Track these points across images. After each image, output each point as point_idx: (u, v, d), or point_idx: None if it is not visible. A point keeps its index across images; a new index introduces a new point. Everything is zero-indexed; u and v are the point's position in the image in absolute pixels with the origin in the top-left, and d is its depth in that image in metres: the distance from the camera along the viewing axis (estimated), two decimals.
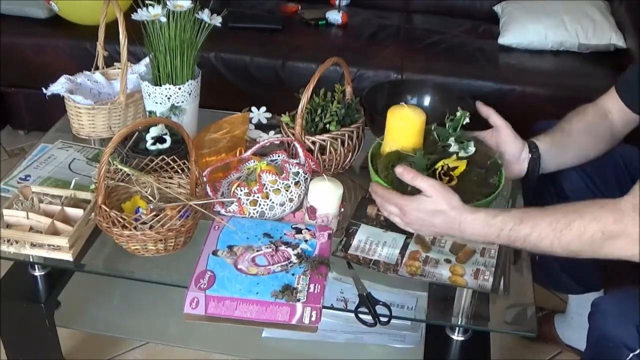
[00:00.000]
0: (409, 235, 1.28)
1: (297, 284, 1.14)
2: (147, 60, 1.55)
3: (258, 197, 1.28)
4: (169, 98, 1.45)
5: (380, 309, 1.15)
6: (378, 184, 1.21)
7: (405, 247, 1.26)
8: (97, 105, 1.53)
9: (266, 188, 1.29)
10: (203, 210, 1.22)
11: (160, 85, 1.44)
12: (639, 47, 2.17)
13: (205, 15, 1.41)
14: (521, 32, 2.31)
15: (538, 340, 1.71)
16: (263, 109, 1.65)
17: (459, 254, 1.25)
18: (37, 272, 1.38)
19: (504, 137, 1.29)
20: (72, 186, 1.34)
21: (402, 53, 2.29)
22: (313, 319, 1.10)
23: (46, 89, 1.53)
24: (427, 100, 1.66)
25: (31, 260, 1.30)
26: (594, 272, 1.53)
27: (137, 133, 1.38)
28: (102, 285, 1.54)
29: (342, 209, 1.33)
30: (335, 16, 2.47)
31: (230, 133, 1.50)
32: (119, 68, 1.61)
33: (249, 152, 1.41)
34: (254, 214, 1.29)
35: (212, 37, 1.44)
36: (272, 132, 1.58)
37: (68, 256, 1.21)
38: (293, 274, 1.16)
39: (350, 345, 1.43)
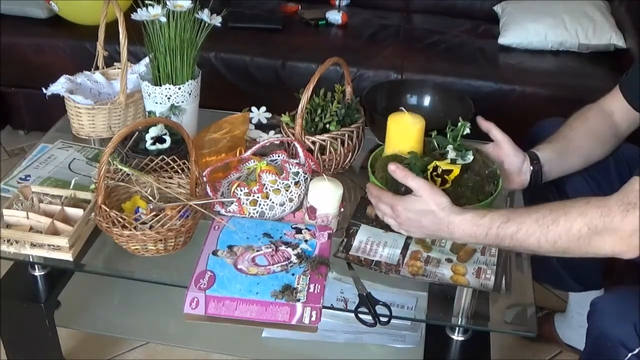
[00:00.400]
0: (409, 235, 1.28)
1: (297, 284, 1.14)
2: (147, 60, 1.55)
3: (258, 197, 1.28)
4: (169, 98, 1.45)
5: (380, 309, 1.15)
6: (373, 184, 1.21)
7: (406, 247, 1.26)
8: (97, 105, 1.53)
9: (266, 188, 1.29)
10: (203, 210, 1.22)
11: (160, 85, 1.44)
12: (639, 47, 2.17)
13: (205, 15, 1.41)
14: (521, 32, 2.31)
15: (538, 340, 1.71)
16: (263, 109, 1.65)
17: (460, 253, 1.25)
18: (37, 272, 1.38)
19: (505, 151, 1.29)
20: (72, 186, 1.34)
21: (402, 53, 2.29)
22: (313, 319, 1.10)
23: (46, 89, 1.53)
24: (427, 100, 1.66)
25: (31, 260, 1.30)
26: (594, 271, 1.53)
27: (137, 133, 1.38)
28: (102, 285, 1.54)
29: (342, 209, 1.33)
30: (335, 16, 2.47)
31: (230, 133, 1.50)
32: (119, 68, 1.61)
33: (249, 152, 1.41)
34: (254, 214, 1.29)
35: (212, 37, 1.44)
36: (272, 132, 1.58)
37: (68, 256, 1.21)
38: (293, 274, 1.16)
39: (350, 345, 1.43)
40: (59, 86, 1.53)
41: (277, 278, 1.15)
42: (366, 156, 1.34)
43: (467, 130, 1.29)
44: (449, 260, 1.23)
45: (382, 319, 1.13)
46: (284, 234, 1.25)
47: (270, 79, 2.22)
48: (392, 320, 1.14)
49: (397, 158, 1.28)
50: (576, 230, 1.01)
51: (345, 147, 1.44)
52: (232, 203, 1.28)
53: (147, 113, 1.51)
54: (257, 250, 1.21)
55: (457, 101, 1.61)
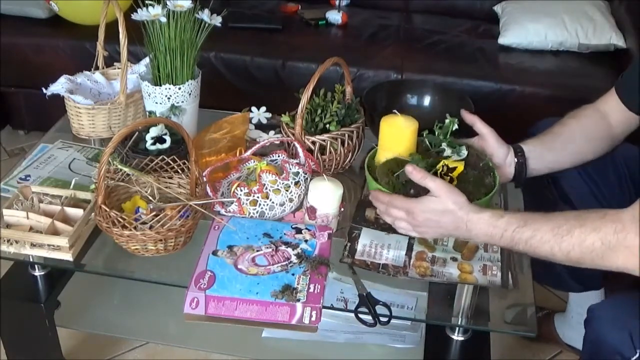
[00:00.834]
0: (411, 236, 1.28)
1: (297, 284, 1.14)
2: (147, 60, 1.55)
3: (258, 197, 1.28)
4: (169, 98, 1.45)
5: (380, 309, 1.15)
6: (379, 190, 1.21)
7: (410, 248, 1.26)
8: (97, 105, 1.53)
9: (266, 188, 1.29)
10: (203, 210, 1.22)
11: (160, 85, 1.44)
12: (639, 47, 2.17)
13: (205, 15, 1.41)
14: (521, 32, 2.31)
15: (538, 340, 1.71)
16: (263, 109, 1.65)
17: (464, 251, 1.25)
18: (37, 272, 1.38)
19: (490, 143, 1.30)
20: (72, 186, 1.34)
21: (402, 53, 2.29)
22: (313, 319, 1.10)
23: (46, 89, 1.53)
24: (427, 100, 1.66)
25: (31, 260, 1.30)
26: (594, 271, 1.53)
27: (137, 133, 1.38)
28: (102, 285, 1.54)
29: (342, 209, 1.33)
30: (335, 16, 2.47)
31: (230, 133, 1.50)
32: (119, 68, 1.61)
33: (249, 152, 1.41)
34: (254, 214, 1.29)
35: (212, 37, 1.44)
36: (272, 132, 1.58)
37: (68, 256, 1.21)
38: (293, 274, 1.16)
39: (350, 345, 1.43)
40: (59, 86, 1.53)
41: (277, 278, 1.15)
42: (365, 156, 1.34)
43: (456, 126, 1.30)
44: (454, 259, 1.23)
45: (382, 319, 1.13)
46: (284, 234, 1.25)
47: (270, 79, 2.22)
48: (392, 320, 1.14)
49: (398, 161, 1.27)
50: (589, 244, 1.01)
51: (345, 147, 1.44)
52: (232, 203, 1.28)
53: (147, 113, 1.51)
54: (257, 250, 1.21)
55: (457, 101, 1.61)
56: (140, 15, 1.38)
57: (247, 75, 2.23)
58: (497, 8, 2.52)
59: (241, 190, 1.28)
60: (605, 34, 2.26)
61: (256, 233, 1.25)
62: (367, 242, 1.28)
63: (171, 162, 1.32)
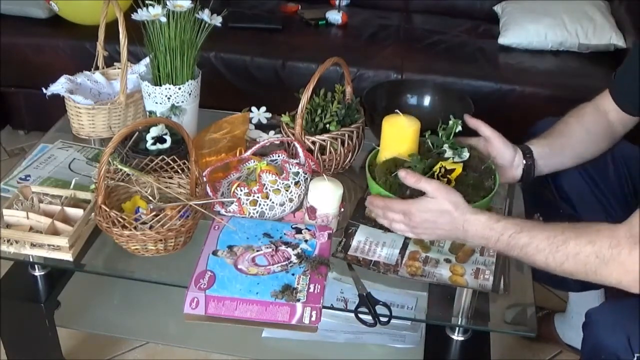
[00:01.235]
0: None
1: (297, 284, 1.14)
2: (147, 60, 1.55)
3: (258, 197, 1.28)
4: (169, 98, 1.45)
5: (380, 309, 1.15)
6: (376, 195, 1.21)
7: (404, 247, 1.26)
8: (97, 105, 1.53)
9: (266, 188, 1.29)
10: (203, 210, 1.22)
11: (160, 85, 1.44)
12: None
13: (205, 15, 1.41)
14: (521, 32, 2.31)
15: (538, 340, 1.71)
16: (263, 109, 1.65)
17: (459, 254, 1.25)
18: (37, 272, 1.38)
19: (496, 146, 1.30)
20: (72, 186, 1.34)
21: (402, 53, 2.29)
22: (313, 319, 1.10)
23: (46, 89, 1.53)
24: (427, 100, 1.66)
25: (31, 260, 1.30)
26: None
27: (137, 133, 1.38)
28: (102, 285, 1.54)
29: (342, 209, 1.33)
30: (335, 16, 2.47)
31: (230, 133, 1.50)
32: (119, 68, 1.61)
33: (249, 152, 1.41)
34: (254, 214, 1.29)
35: (212, 37, 1.44)
36: (272, 132, 1.58)
37: (68, 256, 1.21)
38: (293, 274, 1.16)
39: (350, 345, 1.43)
40: (59, 86, 1.53)
41: (277, 278, 1.14)
42: (366, 156, 1.34)
43: (459, 128, 1.30)
44: (448, 261, 1.23)
45: (382, 319, 1.13)
46: (284, 234, 1.25)
47: (270, 79, 2.22)
48: (392, 320, 1.14)
49: (397, 161, 1.28)
50: (584, 257, 1.01)
51: (345, 147, 1.44)
52: (232, 203, 1.28)
53: (147, 113, 1.51)
54: (257, 250, 1.21)
55: (457, 101, 1.61)
56: (140, 15, 1.38)
57: (247, 75, 2.23)
58: (497, 8, 2.52)
59: (241, 190, 1.28)
60: (605, 34, 2.27)
61: (256, 233, 1.25)
62: (362, 238, 1.28)
63: (171, 162, 1.32)
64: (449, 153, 1.29)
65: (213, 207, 1.30)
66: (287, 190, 1.30)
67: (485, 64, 2.26)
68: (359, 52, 2.28)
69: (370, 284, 1.21)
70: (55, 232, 1.23)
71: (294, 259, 1.19)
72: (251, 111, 1.64)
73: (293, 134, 1.41)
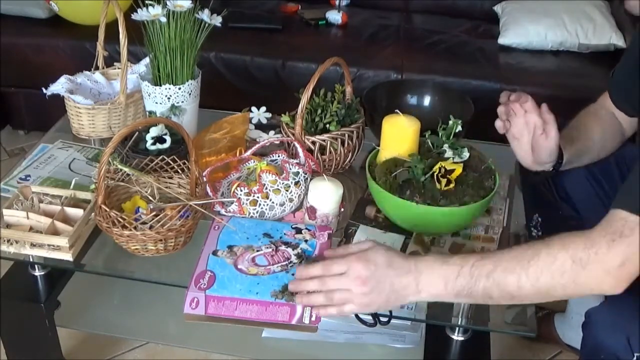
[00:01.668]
0: (408, 235, 1.28)
1: None
2: (147, 60, 1.55)
3: (258, 197, 1.28)
4: (169, 98, 1.45)
5: None
6: (303, 267, 1.08)
7: (404, 247, 1.26)
8: (97, 105, 1.53)
9: (266, 188, 1.29)
10: (203, 210, 1.22)
11: (160, 85, 1.44)
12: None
13: (205, 15, 1.41)
14: (521, 32, 2.31)
15: (538, 340, 1.71)
16: (263, 109, 1.65)
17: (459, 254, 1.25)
18: (37, 272, 1.38)
19: (551, 135, 1.23)
20: (72, 186, 1.34)
21: (402, 53, 2.29)
22: (313, 319, 1.10)
23: (46, 89, 1.53)
24: (427, 100, 1.66)
25: (31, 260, 1.30)
26: None
27: (137, 133, 1.38)
28: (102, 285, 1.54)
29: (342, 209, 1.33)
30: (335, 16, 2.47)
31: (230, 133, 1.50)
32: (119, 68, 1.61)
33: (249, 152, 1.41)
34: (253, 214, 1.29)
35: (212, 37, 1.44)
36: (272, 132, 1.58)
37: (68, 256, 1.21)
38: (293, 274, 1.16)
39: (350, 345, 1.43)
40: (59, 86, 1.53)
41: (277, 278, 1.14)
42: (366, 156, 1.34)
43: (459, 128, 1.30)
44: None
45: (382, 319, 1.13)
46: (284, 234, 1.25)
47: (270, 79, 2.22)
48: (392, 320, 1.13)
49: (397, 161, 1.28)
50: (560, 264, 0.94)
51: (345, 147, 1.44)
52: (232, 203, 1.28)
53: (147, 113, 1.51)
54: (257, 250, 1.20)
55: (457, 101, 1.61)
56: (140, 15, 1.38)
57: (247, 75, 2.23)
58: (497, 8, 2.52)
59: (241, 190, 1.28)
60: (605, 34, 2.27)
61: (256, 233, 1.24)
62: (362, 238, 1.28)
63: (171, 162, 1.32)
64: (449, 153, 1.29)
65: (213, 207, 1.30)
66: (287, 190, 1.30)
67: (485, 64, 2.26)
68: (359, 52, 2.28)
69: None
70: (55, 232, 1.23)
71: (294, 259, 1.19)
72: (251, 111, 1.64)
73: (293, 134, 1.41)
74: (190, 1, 1.39)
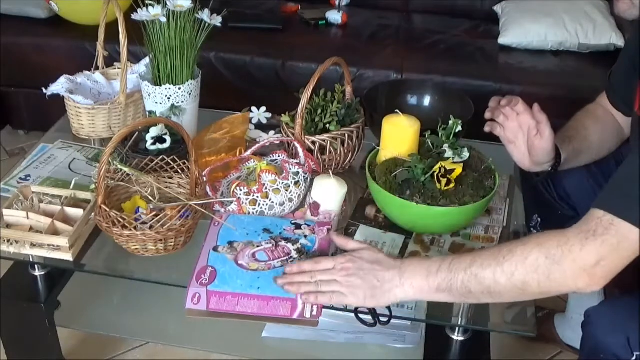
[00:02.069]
0: (408, 235, 1.28)
1: None
2: (147, 60, 1.55)
3: (258, 197, 1.28)
4: (169, 98, 1.45)
5: (380, 309, 1.15)
6: (296, 265, 1.14)
7: (404, 247, 1.26)
8: (97, 105, 1.53)
9: (266, 188, 1.29)
10: (203, 210, 1.22)
11: (160, 85, 1.44)
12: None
13: (205, 15, 1.42)
14: (521, 32, 2.31)
15: (538, 340, 1.71)
16: (263, 109, 1.65)
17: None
18: (37, 272, 1.38)
19: (546, 136, 1.24)
20: (72, 186, 1.34)
21: (402, 53, 2.29)
22: (314, 313, 1.10)
23: (46, 89, 1.53)
24: (427, 100, 1.66)
25: (31, 260, 1.30)
26: None
27: (137, 133, 1.38)
28: (102, 285, 1.54)
29: (344, 207, 1.33)
30: (335, 16, 2.47)
31: (230, 133, 1.50)
32: (119, 68, 1.61)
33: (249, 152, 1.41)
34: (253, 213, 1.29)
35: (212, 37, 1.44)
36: (272, 132, 1.58)
37: (68, 256, 1.21)
38: None
39: (350, 345, 1.43)
40: (59, 86, 1.53)
41: (278, 273, 1.15)
42: (366, 156, 1.34)
43: (459, 128, 1.30)
44: None
45: (382, 319, 1.13)
46: (284, 229, 1.25)
47: (270, 79, 2.22)
48: (392, 320, 1.14)
49: (397, 161, 1.28)
50: (533, 260, 0.96)
51: (345, 147, 1.44)
52: (231, 203, 1.28)
53: (147, 113, 1.51)
54: (258, 246, 1.21)
55: (457, 101, 1.61)
56: (140, 15, 1.38)
57: (247, 75, 2.23)
58: (497, 8, 2.52)
59: (241, 190, 1.28)
60: (605, 34, 2.27)
61: (256, 229, 1.25)
62: (362, 238, 1.28)
63: (171, 162, 1.32)
64: (449, 153, 1.29)
65: (213, 207, 1.30)
66: (287, 190, 1.30)
67: (485, 64, 2.26)
68: (359, 52, 2.28)
69: None
70: (55, 232, 1.23)
71: (294, 254, 1.19)
72: (251, 111, 1.64)
73: (293, 134, 1.41)
74: (190, 1, 1.39)
